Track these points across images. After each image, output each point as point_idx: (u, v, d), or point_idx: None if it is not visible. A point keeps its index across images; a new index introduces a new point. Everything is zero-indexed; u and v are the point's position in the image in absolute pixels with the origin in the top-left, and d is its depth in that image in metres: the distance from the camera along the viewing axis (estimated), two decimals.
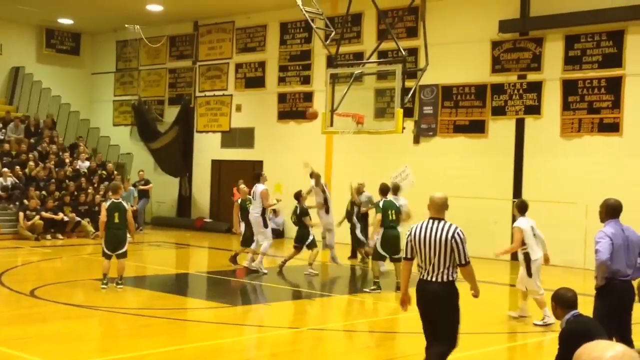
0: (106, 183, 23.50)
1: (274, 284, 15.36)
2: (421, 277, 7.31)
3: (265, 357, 9.77)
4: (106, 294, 13.08)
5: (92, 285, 13.87)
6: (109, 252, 13.42)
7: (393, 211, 14.61)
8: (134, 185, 24.99)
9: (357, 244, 17.58)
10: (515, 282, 12.62)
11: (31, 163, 24.03)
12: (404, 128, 15.25)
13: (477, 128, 20.52)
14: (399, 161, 19.78)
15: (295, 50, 24.49)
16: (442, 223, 7.25)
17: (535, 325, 11.28)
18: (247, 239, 16.66)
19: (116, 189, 13.95)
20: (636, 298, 7.90)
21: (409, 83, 15.90)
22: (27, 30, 28.82)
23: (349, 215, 17.67)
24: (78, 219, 22.64)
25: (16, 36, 28.67)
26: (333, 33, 16.92)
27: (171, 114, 27.52)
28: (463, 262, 7.17)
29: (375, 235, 14.68)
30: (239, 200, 17.01)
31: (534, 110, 19.58)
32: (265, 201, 16.13)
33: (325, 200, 16.92)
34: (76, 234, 22.59)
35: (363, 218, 17.56)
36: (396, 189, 16.14)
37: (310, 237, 16.12)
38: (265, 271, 15.98)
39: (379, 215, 14.45)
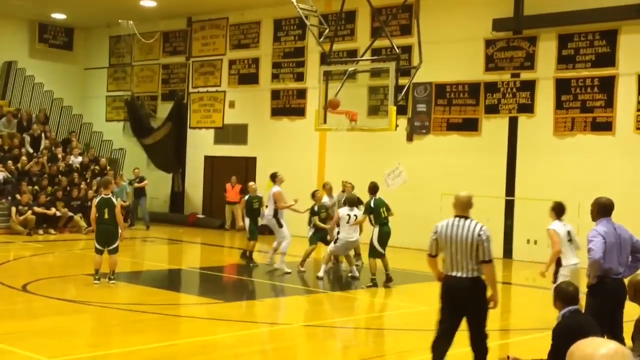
0: (99, 178, 23.43)
1: (267, 280, 15.35)
2: (448, 273, 7.52)
3: (257, 353, 9.77)
4: (98, 289, 13.07)
5: (84, 281, 13.84)
6: (100, 248, 13.41)
7: (384, 208, 14.75)
8: (130, 183, 24.90)
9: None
10: (508, 280, 12.64)
11: (24, 158, 23.97)
12: (397, 126, 15.29)
13: (470, 126, 20.55)
14: (392, 159, 19.78)
15: (289, 47, 24.47)
16: (468, 221, 7.50)
17: None
18: (253, 232, 16.61)
19: (106, 185, 13.93)
20: (628, 296, 7.93)
21: (403, 81, 15.93)
22: (19, 25, 28.72)
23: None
24: (70, 214, 22.60)
25: (9, 30, 28.55)
26: (327, 30, 16.93)
27: (164, 109, 27.48)
28: (486, 258, 7.40)
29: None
30: (247, 196, 16.90)
31: (527, 108, 19.62)
32: (278, 202, 16.12)
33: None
34: (68, 229, 22.55)
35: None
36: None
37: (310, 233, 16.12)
38: (289, 270, 15.75)
39: (364, 216, 14.75)
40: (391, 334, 11.35)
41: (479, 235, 7.38)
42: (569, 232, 10.46)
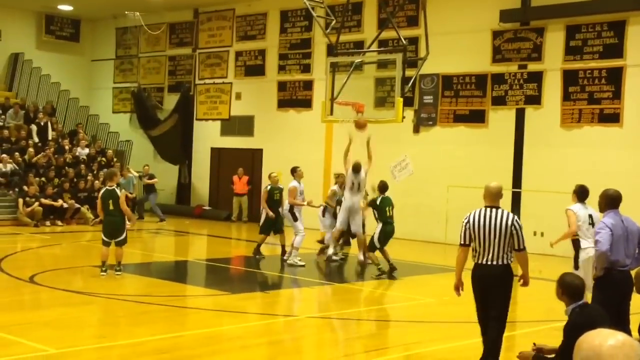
0: (105, 170, 23.44)
1: (273, 272, 15.35)
2: (479, 262, 7.70)
3: (264, 345, 9.78)
4: (105, 280, 13.09)
5: (91, 272, 13.89)
6: (107, 240, 13.44)
7: (390, 207, 14.96)
8: (140, 178, 24.88)
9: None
10: (515, 272, 12.57)
11: (31, 149, 24.01)
12: (404, 117, 15.28)
13: (477, 118, 20.50)
14: (398, 150, 19.71)
15: (295, 39, 24.43)
16: (499, 211, 7.73)
17: None
18: (265, 226, 16.54)
19: (111, 176, 13.98)
20: (634, 288, 7.90)
21: (410, 72, 15.88)
22: (26, 17, 28.73)
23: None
24: (77, 205, 22.64)
25: (16, 22, 28.57)
26: (333, 21, 16.88)
27: (171, 101, 27.48)
28: (521, 247, 7.66)
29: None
30: (269, 187, 16.77)
31: (535, 100, 19.56)
32: (289, 198, 16.12)
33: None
34: (75, 220, 22.59)
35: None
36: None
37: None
38: (303, 263, 15.72)
39: (365, 205, 15.47)
40: (397, 325, 11.34)
41: (513, 224, 7.62)
42: (590, 216, 10.12)
